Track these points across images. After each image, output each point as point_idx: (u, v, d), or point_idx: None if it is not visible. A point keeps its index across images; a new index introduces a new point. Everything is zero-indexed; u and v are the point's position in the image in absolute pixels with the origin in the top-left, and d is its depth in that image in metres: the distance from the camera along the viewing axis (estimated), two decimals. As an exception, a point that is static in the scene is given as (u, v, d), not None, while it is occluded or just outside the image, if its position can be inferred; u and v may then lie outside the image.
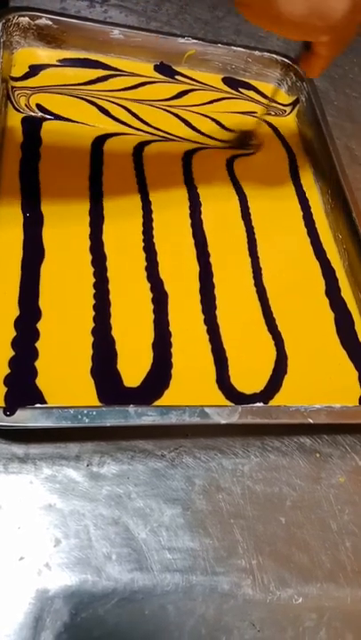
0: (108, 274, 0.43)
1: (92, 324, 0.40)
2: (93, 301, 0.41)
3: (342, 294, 0.48)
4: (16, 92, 0.51)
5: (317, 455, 0.40)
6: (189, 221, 0.49)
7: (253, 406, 0.38)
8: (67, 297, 0.40)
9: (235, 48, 0.60)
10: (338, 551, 0.37)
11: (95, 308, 0.41)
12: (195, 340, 0.41)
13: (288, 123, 0.61)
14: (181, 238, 0.47)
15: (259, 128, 0.57)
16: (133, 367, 0.39)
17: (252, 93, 0.61)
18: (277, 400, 0.40)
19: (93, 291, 0.41)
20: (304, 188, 0.55)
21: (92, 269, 0.43)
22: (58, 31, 0.54)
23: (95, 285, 0.42)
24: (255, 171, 0.55)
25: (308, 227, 0.52)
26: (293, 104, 0.61)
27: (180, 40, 0.58)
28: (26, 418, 0.33)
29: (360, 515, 0.38)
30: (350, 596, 0.35)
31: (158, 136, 0.53)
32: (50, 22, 0.53)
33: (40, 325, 0.38)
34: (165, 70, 0.59)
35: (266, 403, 0.39)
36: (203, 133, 0.55)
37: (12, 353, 0.37)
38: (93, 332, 0.39)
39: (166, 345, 0.40)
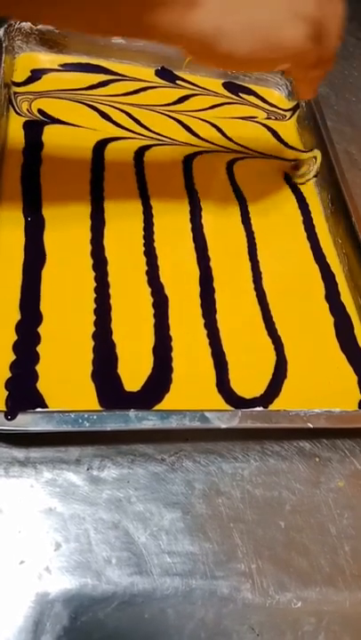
0: (109, 278, 0.43)
1: (93, 329, 0.40)
2: (94, 305, 0.41)
3: (342, 298, 0.48)
4: (18, 98, 0.51)
5: (317, 459, 0.40)
6: (190, 225, 0.49)
7: (253, 411, 0.38)
8: (68, 301, 0.41)
9: (235, 53, 0.60)
10: (337, 555, 0.37)
11: (96, 312, 0.41)
12: (195, 344, 0.42)
13: (288, 127, 0.61)
14: (182, 242, 0.48)
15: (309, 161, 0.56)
16: (134, 371, 0.39)
17: (252, 98, 0.61)
18: (277, 404, 0.40)
19: (94, 295, 0.42)
20: (304, 193, 0.55)
21: (92, 273, 0.43)
22: (59, 36, 0.54)
23: (96, 289, 0.42)
24: (255, 175, 0.55)
25: (308, 231, 0.53)
26: (294, 109, 0.61)
27: (181, 45, 0.58)
28: (27, 422, 0.33)
29: (359, 519, 0.38)
30: (349, 599, 0.35)
31: (159, 141, 0.54)
32: (51, 27, 0.53)
33: (41, 329, 0.39)
34: (166, 75, 0.59)
35: (266, 407, 0.39)
36: (203, 139, 0.55)
37: (13, 357, 0.37)
38: (94, 336, 0.39)
39: (167, 349, 0.40)
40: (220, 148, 0.56)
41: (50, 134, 0.50)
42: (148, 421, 0.34)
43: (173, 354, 0.40)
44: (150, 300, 0.43)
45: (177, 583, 0.33)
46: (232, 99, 0.61)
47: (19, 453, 0.35)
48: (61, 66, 0.55)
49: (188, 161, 0.53)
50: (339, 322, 0.47)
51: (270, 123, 0.60)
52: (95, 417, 0.34)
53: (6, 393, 0.35)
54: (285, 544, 0.36)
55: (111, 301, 0.42)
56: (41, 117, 0.51)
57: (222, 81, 0.61)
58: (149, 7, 0.28)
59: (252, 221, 0.51)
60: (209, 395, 0.39)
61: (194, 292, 0.45)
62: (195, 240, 0.48)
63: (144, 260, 0.45)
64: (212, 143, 0.56)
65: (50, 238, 0.43)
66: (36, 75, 0.54)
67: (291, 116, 0.61)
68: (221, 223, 0.50)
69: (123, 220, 0.47)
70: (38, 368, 0.37)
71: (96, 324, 0.40)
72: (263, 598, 0.34)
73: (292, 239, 0.52)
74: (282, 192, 0.55)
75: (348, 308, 0.48)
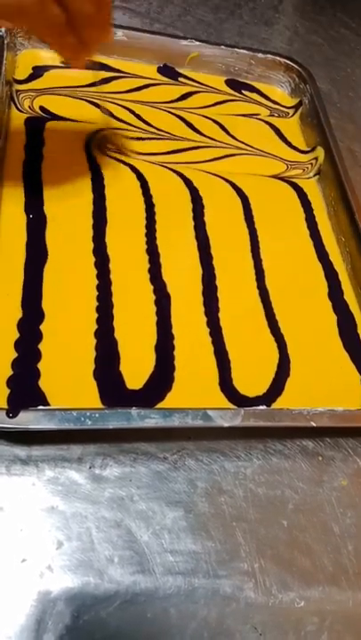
0: (111, 276, 0.43)
1: (95, 326, 0.40)
2: (96, 303, 0.41)
3: (345, 297, 0.48)
4: (20, 95, 0.51)
5: (320, 458, 0.40)
6: (192, 223, 0.49)
7: (256, 409, 0.38)
8: (70, 299, 0.40)
9: (238, 50, 0.60)
10: (340, 554, 0.37)
11: (98, 309, 0.41)
12: (197, 342, 0.41)
13: (291, 125, 0.61)
14: (184, 240, 0.47)
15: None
16: (136, 369, 0.39)
17: (255, 95, 0.61)
18: (280, 403, 0.40)
19: (96, 292, 0.41)
20: (306, 191, 0.55)
21: (94, 271, 0.42)
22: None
23: (98, 287, 0.42)
24: (258, 173, 0.54)
25: (311, 229, 0.52)
26: (296, 106, 0.61)
27: (184, 42, 0.58)
28: (28, 420, 0.33)
29: (362, 518, 0.38)
30: (352, 599, 0.35)
31: (161, 137, 0.53)
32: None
33: (43, 327, 0.38)
34: (169, 72, 0.59)
35: (268, 405, 0.39)
36: (206, 136, 0.55)
37: (14, 354, 0.37)
38: (96, 333, 0.39)
39: (169, 347, 0.40)
40: (222, 144, 0.55)
41: (51, 131, 0.50)
42: (151, 420, 0.34)
43: (176, 352, 0.40)
44: (152, 297, 0.43)
45: (179, 582, 0.33)
46: (235, 96, 0.60)
47: (20, 451, 0.35)
48: (63, 62, 0.55)
49: (190, 158, 0.53)
50: (342, 320, 0.46)
51: (273, 120, 0.60)
52: (97, 415, 0.34)
53: (8, 391, 0.35)
54: (288, 543, 0.36)
55: (113, 299, 0.41)
56: (43, 114, 0.51)
57: (225, 78, 0.61)
58: None
59: (254, 219, 0.51)
60: (211, 393, 0.39)
61: (196, 290, 0.44)
62: (197, 238, 0.48)
63: (146, 257, 0.45)
64: (215, 140, 0.55)
65: (52, 236, 0.43)
66: (37, 72, 0.54)
67: (293, 114, 0.61)
68: (224, 221, 0.50)
69: (125, 218, 0.47)
70: (40, 366, 0.37)
71: (98, 321, 0.40)
72: (266, 597, 0.34)
73: (295, 237, 0.52)
74: (284, 190, 0.55)
75: (351, 306, 0.48)
